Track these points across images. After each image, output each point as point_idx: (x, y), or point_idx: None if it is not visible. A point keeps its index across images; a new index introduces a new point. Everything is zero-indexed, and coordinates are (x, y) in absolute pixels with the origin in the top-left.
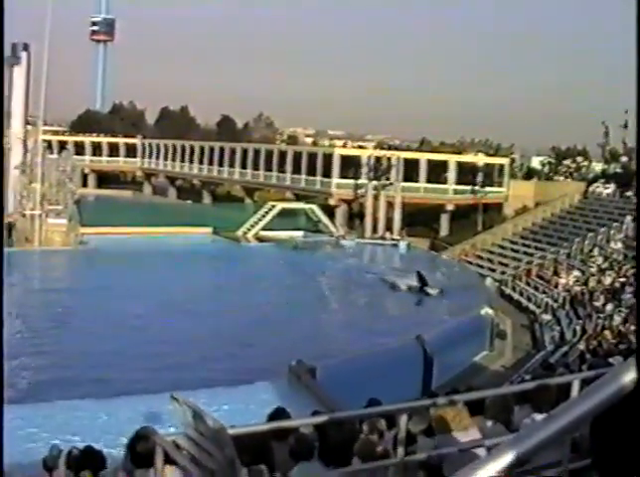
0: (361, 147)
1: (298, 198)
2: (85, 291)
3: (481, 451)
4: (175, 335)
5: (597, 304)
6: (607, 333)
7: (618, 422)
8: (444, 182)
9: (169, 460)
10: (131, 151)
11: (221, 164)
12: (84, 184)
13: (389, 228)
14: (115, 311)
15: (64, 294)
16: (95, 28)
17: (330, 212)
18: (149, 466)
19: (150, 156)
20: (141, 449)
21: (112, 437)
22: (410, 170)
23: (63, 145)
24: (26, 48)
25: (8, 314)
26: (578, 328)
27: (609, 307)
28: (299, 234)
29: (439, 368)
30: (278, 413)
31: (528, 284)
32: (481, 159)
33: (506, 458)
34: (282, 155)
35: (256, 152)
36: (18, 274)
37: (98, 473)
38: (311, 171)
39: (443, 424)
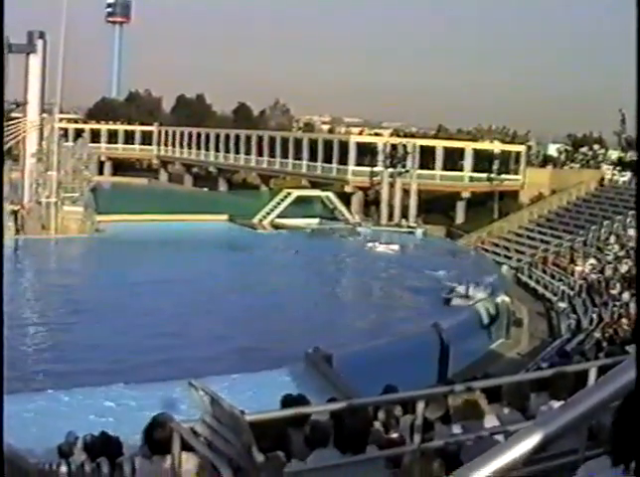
0: (377, 134)
1: (314, 185)
2: (101, 278)
3: (498, 438)
4: (190, 322)
5: (614, 292)
6: (624, 321)
7: (636, 410)
8: (460, 169)
9: (186, 446)
10: (147, 139)
11: (237, 151)
12: (101, 172)
13: (404, 215)
14: (130, 298)
15: (79, 281)
16: (111, 10)
17: (346, 199)
18: (166, 452)
19: (166, 144)
20: (158, 436)
21: (129, 424)
22: (427, 157)
23: (79, 133)
24: (42, 36)
25: (26, 301)
26: (595, 316)
27: (626, 295)
28: (315, 221)
29: (455, 355)
30: (296, 400)
31: (544, 272)
32: (497, 146)
33: (523, 446)
34: (298, 142)
35: (272, 139)
36: (34, 262)
37: (115, 459)
38: (327, 158)
39: (461, 411)
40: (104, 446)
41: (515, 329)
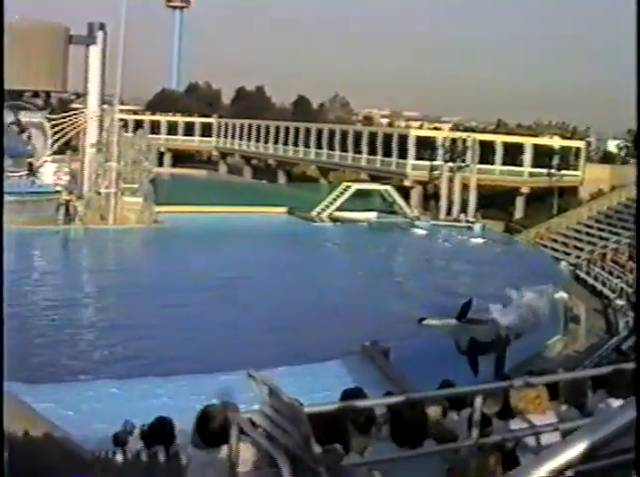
0: (436, 129)
1: (373, 179)
2: (159, 269)
3: (555, 435)
4: (249, 313)
5: None
6: None
7: None
8: (520, 164)
9: (244, 437)
10: (207, 130)
11: (296, 144)
12: (160, 163)
13: (463, 210)
14: (188, 289)
15: (137, 272)
16: None
17: (405, 193)
18: (220, 443)
19: (225, 136)
20: (211, 426)
21: (185, 413)
22: (486, 152)
23: (138, 124)
24: (102, 27)
25: (83, 291)
26: None
27: None
28: (373, 214)
29: (512, 351)
30: (354, 394)
31: (602, 268)
32: (557, 142)
33: (583, 444)
34: (358, 136)
35: (332, 132)
36: (92, 252)
37: (169, 446)
38: (386, 152)
39: (523, 406)
40: (160, 434)
41: (572, 326)
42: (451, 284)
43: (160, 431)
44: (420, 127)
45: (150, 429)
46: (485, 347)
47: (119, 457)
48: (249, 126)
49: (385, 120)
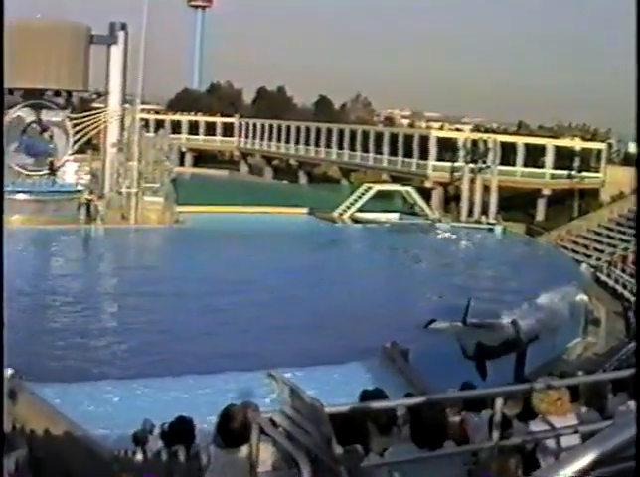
0: (458, 130)
1: (394, 180)
2: (180, 268)
3: (576, 438)
4: (269, 314)
5: None
6: None
7: None
8: (541, 166)
9: (264, 437)
10: (228, 130)
11: (317, 145)
12: (181, 163)
13: (484, 211)
14: (208, 289)
15: (158, 271)
16: None
17: (426, 194)
18: (241, 442)
19: (247, 136)
20: (232, 426)
21: (205, 413)
22: (507, 154)
23: (160, 124)
24: (124, 27)
25: (105, 289)
26: None
27: None
28: (395, 215)
29: (532, 353)
30: (374, 395)
31: (623, 271)
32: (578, 144)
33: (603, 448)
34: (379, 136)
35: (353, 133)
36: (113, 251)
37: (189, 446)
38: (408, 153)
39: (544, 408)
40: (180, 433)
41: (592, 328)
42: (471, 285)
43: (180, 431)
44: (441, 128)
45: (170, 429)
46: (493, 351)
47: (139, 456)
48: (271, 126)
49: (406, 121)
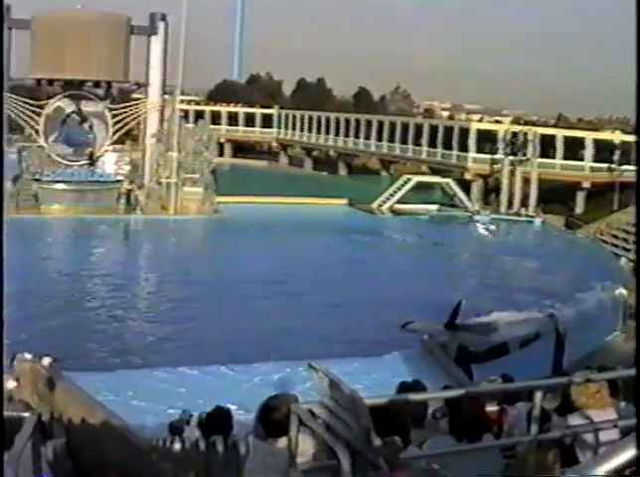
0: (497, 122)
1: (434, 171)
2: (220, 259)
3: (614, 432)
4: (309, 305)
5: None
6: None
7: None
8: (581, 159)
9: (303, 428)
10: (267, 121)
11: (356, 136)
12: (221, 153)
13: (524, 204)
14: (247, 280)
15: (197, 261)
16: None
17: (466, 186)
18: (281, 433)
19: (286, 127)
20: (274, 416)
21: (244, 403)
22: (547, 146)
23: (199, 115)
24: (164, 18)
25: (145, 280)
26: None
27: None
28: (434, 207)
29: (570, 346)
30: (412, 387)
31: None
32: (618, 137)
33: None
34: (418, 128)
35: (393, 125)
36: (153, 241)
37: (227, 436)
38: (447, 145)
39: (583, 401)
40: (217, 422)
41: (631, 322)
42: (509, 279)
43: (218, 421)
44: (481, 120)
45: (208, 419)
46: (476, 355)
47: (177, 446)
48: (310, 118)
49: (445, 113)
